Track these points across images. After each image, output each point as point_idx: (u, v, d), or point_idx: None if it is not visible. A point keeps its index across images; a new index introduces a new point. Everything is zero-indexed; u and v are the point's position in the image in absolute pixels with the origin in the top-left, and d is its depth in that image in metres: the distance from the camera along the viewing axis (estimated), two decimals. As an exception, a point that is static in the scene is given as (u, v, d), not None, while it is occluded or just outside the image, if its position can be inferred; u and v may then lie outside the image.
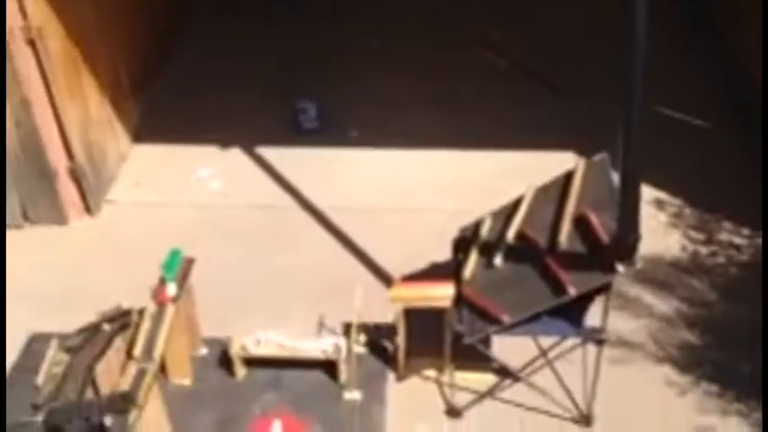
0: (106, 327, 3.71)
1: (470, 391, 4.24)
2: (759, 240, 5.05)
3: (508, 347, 4.07)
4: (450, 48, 6.97)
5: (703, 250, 5.07)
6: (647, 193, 4.86)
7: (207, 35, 7.35)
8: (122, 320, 3.78)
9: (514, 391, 4.20)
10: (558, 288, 3.65)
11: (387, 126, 6.13)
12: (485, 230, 4.04)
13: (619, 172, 3.32)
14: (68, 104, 5.20)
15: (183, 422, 4.11)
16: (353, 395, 4.28)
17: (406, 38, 7.13)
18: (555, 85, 6.53)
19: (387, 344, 4.47)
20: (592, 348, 4.00)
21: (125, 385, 3.58)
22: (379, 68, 6.74)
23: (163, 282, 4.08)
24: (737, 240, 5.11)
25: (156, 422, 3.79)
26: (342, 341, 4.24)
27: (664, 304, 4.71)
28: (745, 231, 5.15)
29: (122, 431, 3.40)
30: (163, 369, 4.16)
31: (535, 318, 3.72)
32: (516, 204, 4.05)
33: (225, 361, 4.39)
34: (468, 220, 4.19)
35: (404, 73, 6.63)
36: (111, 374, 3.63)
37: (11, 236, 5.34)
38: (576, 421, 4.14)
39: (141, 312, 3.92)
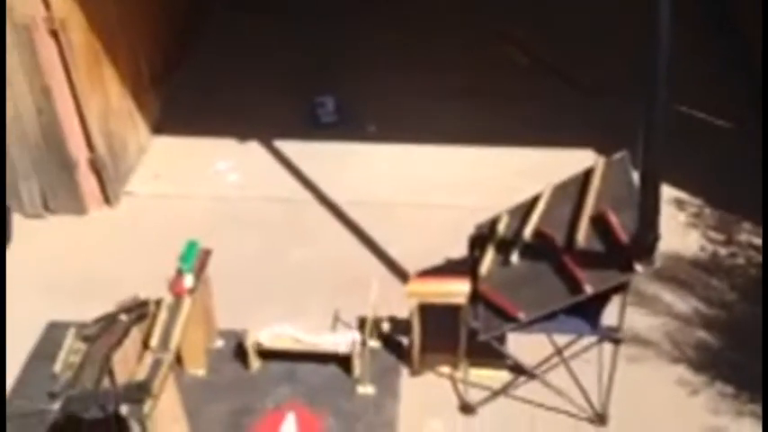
0: (123, 317, 3.73)
1: (484, 387, 4.23)
2: (779, 242, 5.01)
3: (523, 345, 4.06)
4: (472, 44, 6.94)
5: (723, 251, 5.03)
6: (667, 192, 4.79)
7: (225, 31, 7.35)
8: (139, 311, 3.80)
9: (529, 389, 4.18)
10: (575, 286, 3.63)
11: (405, 121, 6.11)
12: (502, 227, 4.03)
13: (639, 171, 3.30)
14: (89, 96, 5.24)
15: (198, 412, 4.13)
16: (367, 389, 4.29)
17: (427, 33, 7.09)
18: (576, 82, 6.50)
19: (401, 339, 4.47)
20: (608, 347, 3.97)
21: (141, 375, 3.62)
22: (397, 64, 6.72)
23: (180, 273, 4.10)
24: (757, 241, 5.06)
25: (171, 412, 3.81)
26: (357, 335, 4.24)
27: (682, 303, 4.68)
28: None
29: (138, 420, 3.44)
30: (179, 360, 4.18)
31: (551, 316, 3.71)
32: (534, 201, 4.03)
33: (240, 353, 4.41)
34: (485, 217, 4.18)
35: (423, 68, 6.60)
36: (127, 364, 3.66)
37: (31, 225, 5.39)
38: (590, 420, 4.12)
39: (158, 303, 3.94)
